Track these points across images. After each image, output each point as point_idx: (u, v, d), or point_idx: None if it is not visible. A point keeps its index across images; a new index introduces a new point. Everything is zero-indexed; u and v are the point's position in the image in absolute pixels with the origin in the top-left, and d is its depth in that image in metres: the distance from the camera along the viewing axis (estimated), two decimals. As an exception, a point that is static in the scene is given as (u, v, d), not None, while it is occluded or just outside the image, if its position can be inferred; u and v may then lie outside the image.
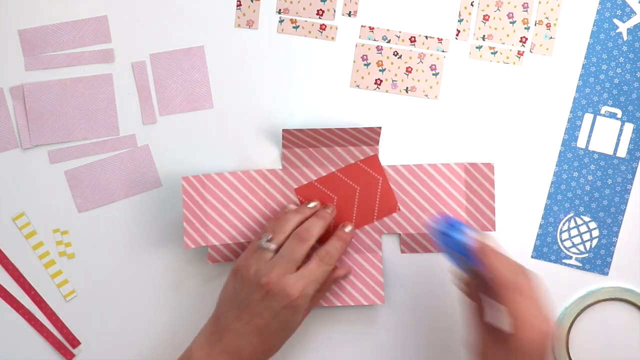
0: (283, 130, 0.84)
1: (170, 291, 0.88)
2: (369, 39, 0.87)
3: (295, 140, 0.85)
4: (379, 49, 0.87)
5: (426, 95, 0.87)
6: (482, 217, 0.86)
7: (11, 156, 0.87)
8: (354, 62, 0.87)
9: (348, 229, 0.84)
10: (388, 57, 0.87)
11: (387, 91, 0.87)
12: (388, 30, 0.87)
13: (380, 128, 0.84)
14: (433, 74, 0.87)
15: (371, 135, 0.85)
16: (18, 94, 0.87)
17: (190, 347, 0.79)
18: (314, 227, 0.80)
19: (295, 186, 0.86)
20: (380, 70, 0.87)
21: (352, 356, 0.88)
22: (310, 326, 0.88)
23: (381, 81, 0.87)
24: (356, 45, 0.87)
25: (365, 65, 0.87)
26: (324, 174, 0.86)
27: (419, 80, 0.87)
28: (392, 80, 0.87)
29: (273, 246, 0.79)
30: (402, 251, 0.87)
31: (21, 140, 0.87)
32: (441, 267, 0.88)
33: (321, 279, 0.79)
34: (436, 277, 0.87)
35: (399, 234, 0.87)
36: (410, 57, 0.87)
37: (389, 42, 0.87)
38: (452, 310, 0.86)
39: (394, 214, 0.86)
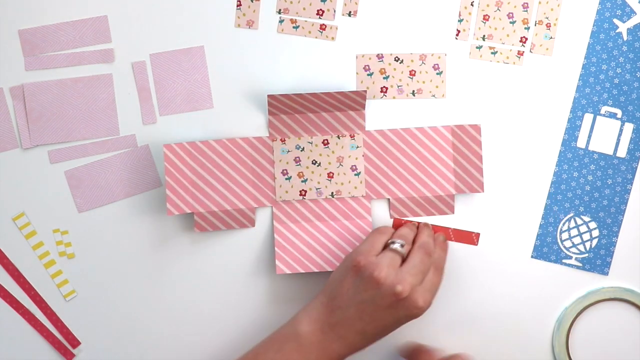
0: (268, 95, 0.83)
1: (170, 291, 0.88)
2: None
3: (281, 106, 0.85)
4: (380, 57, 0.87)
5: (433, 95, 0.87)
6: (470, 179, 0.86)
7: (11, 156, 0.87)
8: (357, 74, 0.87)
9: (442, 238, 0.87)
10: (390, 64, 0.87)
11: (394, 97, 0.87)
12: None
13: (365, 91, 0.83)
14: (437, 73, 0.87)
15: (357, 100, 0.84)
16: (18, 94, 0.87)
17: (297, 320, 0.80)
18: (430, 241, 0.84)
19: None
20: (384, 78, 0.87)
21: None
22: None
23: (387, 88, 0.87)
24: (356, 57, 0.87)
25: (368, 75, 0.87)
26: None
27: (424, 82, 0.87)
28: (398, 86, 0.87)
29: (405, 253, 0.81)
30: (392, 216, 0.87)
31: (21, 140, 0.87)
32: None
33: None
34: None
35: (388, 199, 0.87)
36: (412, 60, 0.87)
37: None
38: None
39: (382, 179, 0.86)
